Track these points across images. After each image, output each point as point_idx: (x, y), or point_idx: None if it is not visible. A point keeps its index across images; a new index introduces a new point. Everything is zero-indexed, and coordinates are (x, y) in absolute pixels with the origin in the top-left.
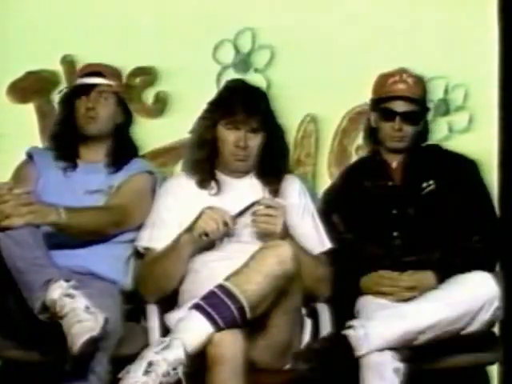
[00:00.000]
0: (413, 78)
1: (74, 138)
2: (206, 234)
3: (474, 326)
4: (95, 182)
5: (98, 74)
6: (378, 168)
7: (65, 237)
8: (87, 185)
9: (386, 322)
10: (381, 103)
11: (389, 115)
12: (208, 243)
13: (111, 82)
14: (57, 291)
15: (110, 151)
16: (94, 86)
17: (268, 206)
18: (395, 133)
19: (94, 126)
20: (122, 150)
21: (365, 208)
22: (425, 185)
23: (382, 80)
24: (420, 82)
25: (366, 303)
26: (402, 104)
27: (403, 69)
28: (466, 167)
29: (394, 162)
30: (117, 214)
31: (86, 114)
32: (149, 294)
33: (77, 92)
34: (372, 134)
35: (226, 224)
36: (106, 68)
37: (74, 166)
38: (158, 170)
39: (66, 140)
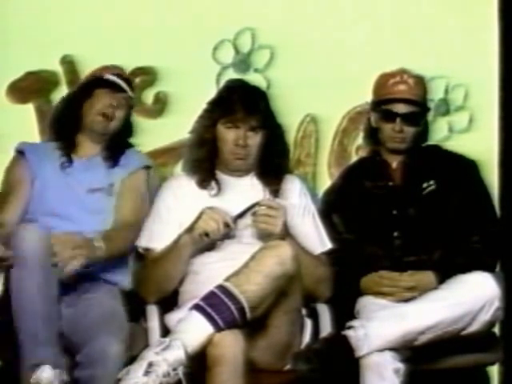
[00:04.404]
0: (413, 78)
1: (75, 126)
2: (207, 235)
3: (475, 327)
4: (95, 179)
5: (127, 81)
6: (379, 168)
7: None
8: (88, 183)
9: (386, 323)
10: (381, 104)
11: (389, 116)
12: (208, 244)
13: (133, 96)
14: (44, 375)
15: (106, 147)
16: (120, 89)
17: (268, 207)
18: (396, 134)
19: (107, 125)
20: (119, 146)
21: (365, 208)
22: (425, 185)
23: (383, 80)
24: (421, 83)
25: (367, 303)
26: (402, 105)
27: (404, 69)
28: (466, 167)
29: (395, 162)
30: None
31: (104, 110)
32: (149, 294)
33: (101, 84)
34: (372, 134)
35: (226, 225)
36: (131, 80)
37: (70, 160)
38: (152, 162)
39: (68, 126)
